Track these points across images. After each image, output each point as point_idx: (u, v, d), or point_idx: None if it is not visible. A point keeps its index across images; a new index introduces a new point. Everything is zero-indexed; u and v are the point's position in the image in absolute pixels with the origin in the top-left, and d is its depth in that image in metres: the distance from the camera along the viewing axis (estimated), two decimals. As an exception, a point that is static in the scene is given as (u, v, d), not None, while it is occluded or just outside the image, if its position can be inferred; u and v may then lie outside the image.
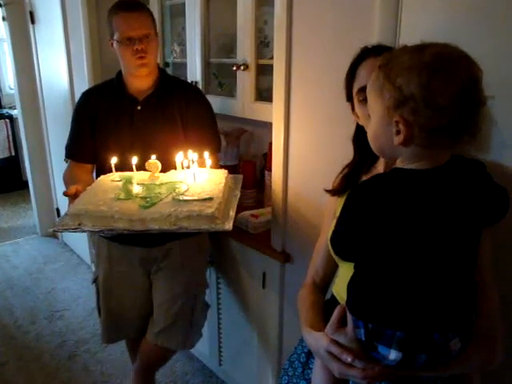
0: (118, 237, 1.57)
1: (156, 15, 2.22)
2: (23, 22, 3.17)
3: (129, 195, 1.31)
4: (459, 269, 0.77)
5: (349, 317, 0.82)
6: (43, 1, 2.93)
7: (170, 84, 1.63)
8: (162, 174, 1.44)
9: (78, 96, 2.69)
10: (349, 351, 0.79)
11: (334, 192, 1.06)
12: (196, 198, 1.27)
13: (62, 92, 2.90)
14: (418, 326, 0.75)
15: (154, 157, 1.43)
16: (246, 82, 1.78)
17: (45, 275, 3.16)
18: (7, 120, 4.60)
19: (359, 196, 0.78)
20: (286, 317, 1.63)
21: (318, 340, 0.87)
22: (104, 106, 1.61)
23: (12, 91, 4.43)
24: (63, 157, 2.94)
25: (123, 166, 1.46)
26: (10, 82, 4.80)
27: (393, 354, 0.76)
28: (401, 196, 0.74)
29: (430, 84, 0.69)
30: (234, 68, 1.79)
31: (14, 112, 4.32)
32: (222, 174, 1.45)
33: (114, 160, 1.43)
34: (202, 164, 1.45)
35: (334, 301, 1.05)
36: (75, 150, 1.70)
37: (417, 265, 0.75)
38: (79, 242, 3.29)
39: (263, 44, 1.81)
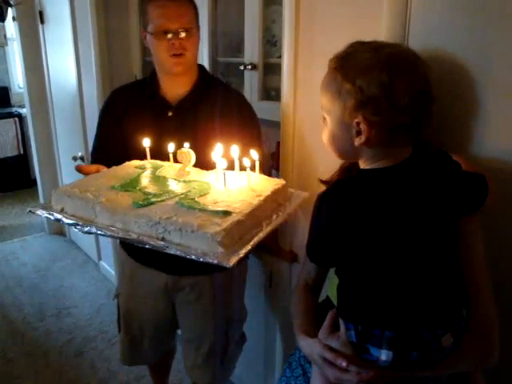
0: (143, 257, 1.45)
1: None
2: (32, 22, 3.20)
3: (129, 186, 1.08)
4: (438, 261, 0.77)
5: (340, 321, 0.82)
6: (52, 1, 2.95)
7: (209, 86, 1.41)
8: (198, 170, 1.19)
9: (86, 95, 2.75)
10: (343, 356, 0.79)
11: (328, 183, 1.05)
12: (207, 207, 0.95)
13: (70, 91, 2.92)
14: (405, 323, 0.75)
15: (187, 145, 1.19)
16: (253, 81, 1.79)
17: (52, 272, 3.18)
18: (16, 118, 4.63)
19: (327, 202, 0.78)
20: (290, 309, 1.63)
21: (311, 346, 0.87)
22: (131, 109, 1.41)
23: (21, 90, 4.47)
24: (71, 155, 2.99)
25: None
26: (19, 80, 4.84)
27: (384, 355, 0.76)
28: (369, 196, 0.75)
29: (391, 84, 0.71)
30: (242, 67, 1.80)
31: (23, 111, 4.36)
32: (273, 184, 1.08)
33: (147, 143, 1.25)
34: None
35: (328, 303, 1.04)
36: (100, 157, 1.44)
37: (394, 262, 0.75)
38: (86, 240, 3.31)
39: (271, 43, 1.81)
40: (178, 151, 1.17)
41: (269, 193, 1.02)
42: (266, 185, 1.07)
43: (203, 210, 0.94)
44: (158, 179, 1.14)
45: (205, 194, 1.02)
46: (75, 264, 3.32)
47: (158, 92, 1.40)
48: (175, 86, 1.39)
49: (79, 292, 2.94)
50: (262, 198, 0.99)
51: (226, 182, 1.04)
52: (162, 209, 0.97)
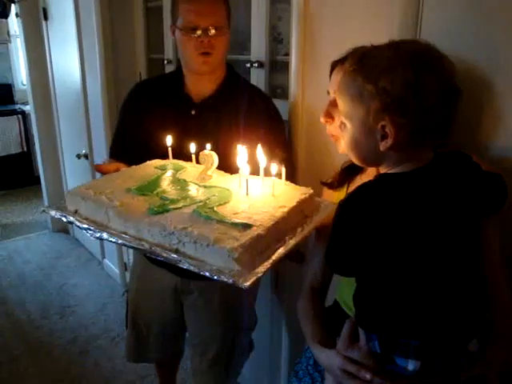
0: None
1: (168, 12, 2.21)
2: (36, 19, 3.18)
3: (146, 189, 1.02)
4: (462, 266, 0.75)
5: (360, 331, 0.80)
6: (56, -3, 2.93)
7: (235, 87, 1.37)
8: (221, 173, 1.12)
9: (90, 92, 2.73)
10: (366, 368, 0.77)
11: (330, 185, 1.03)
12: (225, 218, 0.87)
13: (74, 88, 2.91)
14: (432, 331, 0.73)
15: (208, 146, 1.12)
16: (259, 79, 1.77)
17: (56, 270, 3.18)
18: (19, 116, 4.63)
19: (350, 209, 0.74)
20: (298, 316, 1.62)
21: (330, 358, 0.84)
22: (154, 105, 1.37)
23: (24, 87, 4.46)
24: (75, 153, 2.98)
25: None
26: (23, 77, 4.83)
27: (411, 364, 0.73)
28: (393, 202, 0.71)
29: (418, 82, 0.67)
30: (248, 65, 1.78)
31: (27, 108, 4.35)
32: (300, 193, 0.98)
33: (169, 142, 1.19)
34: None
35: (337, 307, 1.03)
36: (119, 153, 1.40)
37: (419, 269, 0.73)
38: (90, 239, 3.28)
39: (277, 41, 1.79)
40: (201, 153, 1.11)
41: (294, 203, 0.93)
42: (291, 194, 0.98)
43: (221, 222, 0.87)
44: (177, 182, 1.08)
45: (225, 203, 0.95)
46: (79, 262, 3.31)
47: (183, 89, 1.36)
48: (201, 85, 1.35)
49: (83, 290, 2.93)
50: (285, 210, 0.91)
51: (249, 189, 0.97)
52: (177, 217, 0.90)
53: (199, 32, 1.22)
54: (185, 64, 1.35)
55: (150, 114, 1.37)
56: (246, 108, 1.32)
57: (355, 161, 0.81)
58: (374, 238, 0.72)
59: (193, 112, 1.34)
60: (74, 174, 3.32)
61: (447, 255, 0.73)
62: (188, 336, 1.62)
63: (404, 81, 0.67)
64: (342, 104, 0.77)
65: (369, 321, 0.79)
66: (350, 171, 1.01)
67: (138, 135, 1.37)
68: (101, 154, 2.69)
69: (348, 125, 0.77)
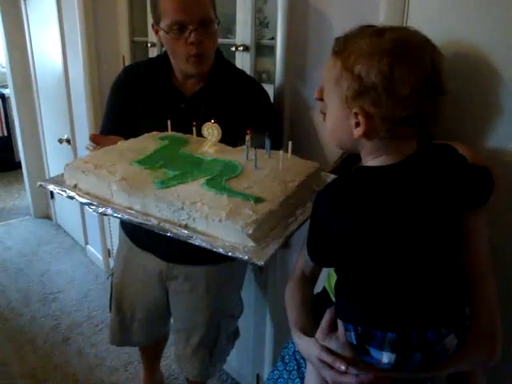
0: (140, 240, 1.42)
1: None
2: (14, -3, 3.08)
3: (149, 162, 0.97)
4: (442, 259, 0.74)
5: (339, 321, 0.79)
6: (35, -25, 2.83)
7: (224, 76, 1.31)
8: (224, 146, 1.08)
9: (72, 76, 2.66)
10: (342, 358, 0.76)
11: (331, 173, 1.02)
12: (236, 192, 0.84)
13: (55, 71, 2.83)
14: (408, 325, 0.72)
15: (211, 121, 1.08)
16: (245, 63, 1.74)
17: (38, 257, 3.13)
18: (-1, 99, 4.51)
19: (325, 201, 0.74)
20: (283, 303, 1.62)
21: (309, 347, 0.84)
22: (143, 93, 1.32)
23: (4, 69, 4.32)
24: (57, 138, 2.91)
25: None
26: (2, 60, 4.68)
27: (386, 357, 0.73)
28: (368, 196, 0.70)
29: (392, 73, 0.65)
30: (233, 49, 1.75)
31: (6, 91, 4.23)
32: (307, 167, 0.97)
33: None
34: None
35: (325, 296, 1.02)
36: (109, 134, 1.32)
37: (396, 262, 0.72)
38: (73, 224, 3.26)
39: (263, 24, 1.76)
40: (204, 125, 1.05)
41: (303, 178, 0.92)
42: (298, 168, 0.96)
43: (232, 196, 0.83)
44: (181, 155, 1.03)
45: (234, 177, 0.91)
46: (61, 248, 3.27)
47: (172, 82, 1.31)
48: (190, 81, 1.30)
49: (66, 277, 2.90)
50: (296, 184, 0.89)
51: (257, 162, 0.95)
52: (185, 191, 0.86)
53: (187, 32, 1.13)
54: (175, 66, 1.28)
55: (138, 102, 1.33)
56: (235, 97, 1.29)
57: (333, 145, 0.80)
58: (348, 232, 0.71)
59: (182, 105, 1.30)
60: (56, 159, 3.26)
61: (425, 248, 0.72)
62: (173, 322, 1.61)
63: (378, 70, 0.66)
64: (325, 87, 0.76)
65: (345, 311, 0.78)
66: (349, 159, 0.99)
67: (128, 120, 1.33)
68: (83, 139, 2.63)
69: (328, 107, 0.76)
